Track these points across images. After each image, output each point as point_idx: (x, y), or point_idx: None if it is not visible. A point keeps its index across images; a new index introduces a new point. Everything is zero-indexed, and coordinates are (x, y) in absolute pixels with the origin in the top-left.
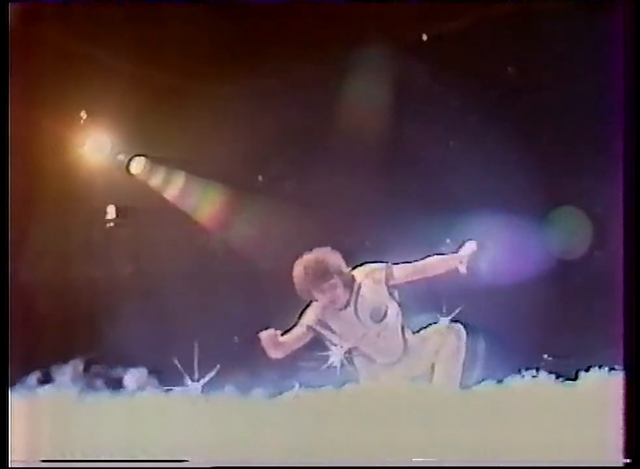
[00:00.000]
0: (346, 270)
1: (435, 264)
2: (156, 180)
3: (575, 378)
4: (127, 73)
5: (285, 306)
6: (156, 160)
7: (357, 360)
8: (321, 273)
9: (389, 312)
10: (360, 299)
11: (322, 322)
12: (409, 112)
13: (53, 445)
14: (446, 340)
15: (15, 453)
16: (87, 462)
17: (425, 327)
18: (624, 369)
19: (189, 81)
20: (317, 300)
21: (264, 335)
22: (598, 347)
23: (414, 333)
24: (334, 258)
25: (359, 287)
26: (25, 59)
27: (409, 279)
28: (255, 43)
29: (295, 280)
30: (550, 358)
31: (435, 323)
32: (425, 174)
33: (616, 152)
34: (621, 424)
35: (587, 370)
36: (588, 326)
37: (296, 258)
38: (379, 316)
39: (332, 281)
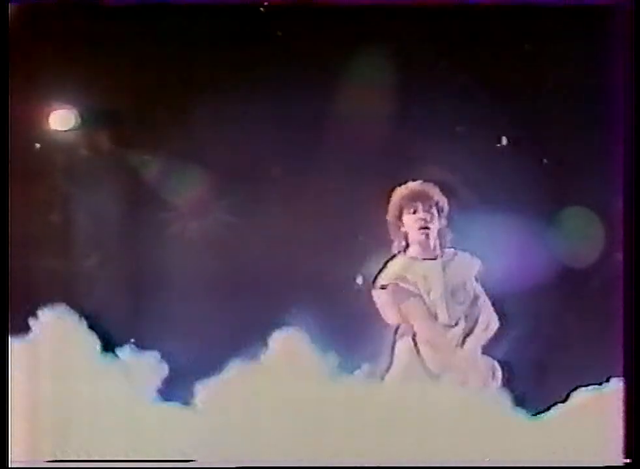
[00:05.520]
0: (446, 211)
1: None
2: (131, 161)
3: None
4: (127, 71)
5: (268, 306)
6: (132, 140)
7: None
8: (422, 198)
9: (479, 302)
10: (451, 266)
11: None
12: (413, 96)
13: (53, 445)
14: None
15: (15, 453)
16: (86, 462)
17: None
18: (624, 367)
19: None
20: (403, 230)
21: None
22: (598, 347)
23: None
24: (440, 196)
25: (453, 255)
26: (25, 59)
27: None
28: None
29: (392, 200)
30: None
31: None
32: (425, 169)
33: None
34: (621, 424)
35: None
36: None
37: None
38: (464, 298)
39: (430, 208)
